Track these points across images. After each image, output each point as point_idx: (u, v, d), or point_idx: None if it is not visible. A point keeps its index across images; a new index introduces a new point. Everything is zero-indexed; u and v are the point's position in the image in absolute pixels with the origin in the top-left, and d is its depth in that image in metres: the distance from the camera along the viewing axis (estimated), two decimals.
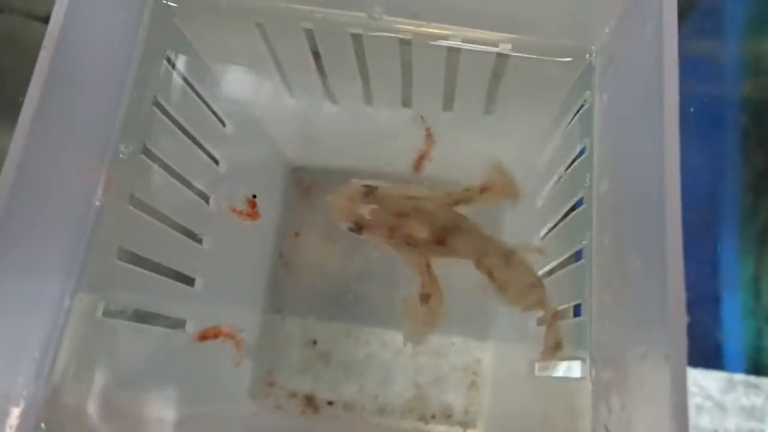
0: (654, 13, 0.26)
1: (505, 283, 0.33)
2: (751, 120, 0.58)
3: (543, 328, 0.39)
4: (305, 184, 0.57)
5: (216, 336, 0.40)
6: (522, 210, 0.48)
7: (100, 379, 0.32)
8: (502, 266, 0.33)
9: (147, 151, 0.34)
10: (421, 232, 0.34)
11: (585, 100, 0.34)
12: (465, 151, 0.49)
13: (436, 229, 0.34)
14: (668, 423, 0.20)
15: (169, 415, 0.38)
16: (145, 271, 0.35)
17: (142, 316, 0.38)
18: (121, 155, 0.32)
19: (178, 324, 0.41)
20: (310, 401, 0.53)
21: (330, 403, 0.53)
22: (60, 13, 0.26)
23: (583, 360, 0.30)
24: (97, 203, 0.30)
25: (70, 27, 0.26)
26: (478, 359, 0.53)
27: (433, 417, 0.52)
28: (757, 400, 0.51)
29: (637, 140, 0.27)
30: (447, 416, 0.52)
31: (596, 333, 0.29)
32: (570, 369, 0.32)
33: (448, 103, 0.44)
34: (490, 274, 0.34)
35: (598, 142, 0.32)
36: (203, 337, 0.39)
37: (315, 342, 0.54)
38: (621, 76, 0.30)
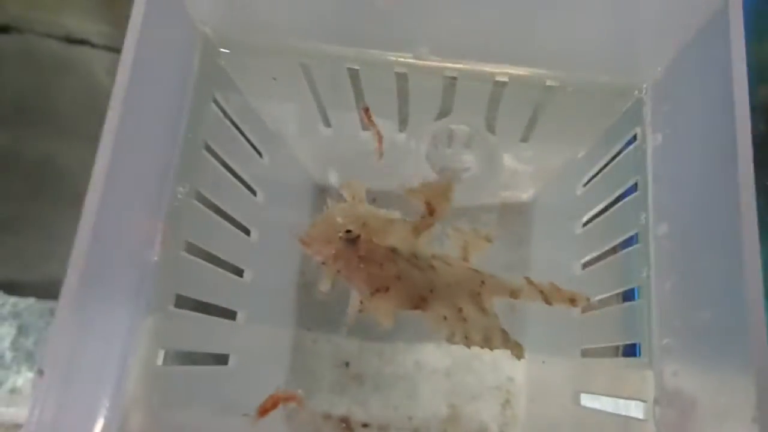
0: (719, 58, 0.26)
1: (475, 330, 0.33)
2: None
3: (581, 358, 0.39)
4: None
5: (275, 405, 0.39)
6: (555, 234, 0.48)
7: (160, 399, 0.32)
8: (477, 317, 0.33)
9: (198, 194, 0.34)
10: (399, 299, 0.33)
11: (635, 136, 0.34)
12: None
13: (414, 298, 0.33)
14: None
15: None
16: (195, 313, 0.35)
17: (190, 356, 0.38)
18: (179, 196, 0.32)
19: (222, 360, 0.41)
20: (345, 423, 0.53)
21: (365, 425, 0.53)
22: (125, 72, 0.25)
23: (645, 402, 0.30)
24: (155, 258, 0.29)
25: (133, 83, 0.26)
26: (510, 377, 0.54)
27: None
28: None
29: (704, 188, 0.27)
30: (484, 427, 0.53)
31: (660, 376, 0.29)
32: (628, 407, 0.32)
33: (490, 129, 0.44)
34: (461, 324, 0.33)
35: (654, 183, 0.32)
36: (264, 411, 0.39)
37: (347, 364, 0.55)
38: (680, 118, 0.30)
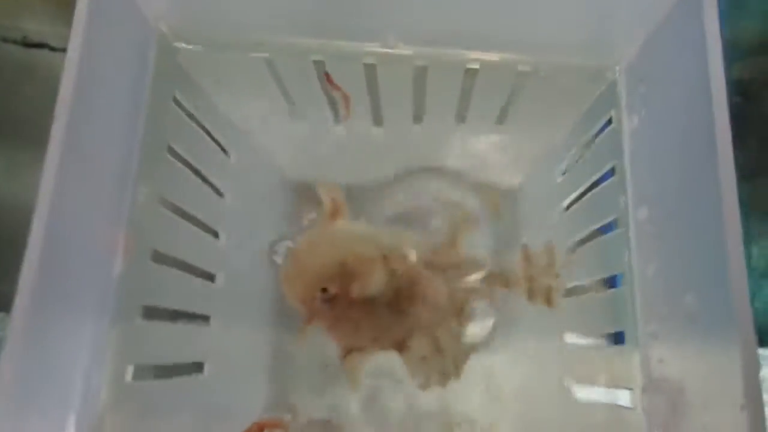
0: (694, 37, 0.25)
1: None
2: (743, 102, 0.58)
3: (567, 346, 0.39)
4: (308, 203, 0.55)
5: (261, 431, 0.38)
6: (539, 219, 0.47)
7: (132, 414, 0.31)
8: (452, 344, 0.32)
9: (162, 199, 0.32)
10: (375, 351, 0.32)
11: (611, 119, 0.34)
12: (474, 162, 0.49)
13: (392, 345, 0.32)
14: None
15: None
16: (167, 323, 0.34)
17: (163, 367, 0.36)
18: (141, 201, 0.30)
19: (197, 369, 0.40)
20: (326, 428, 0.52)
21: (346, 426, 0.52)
22: (72, 73, 0.24)
23: (632, 390, 0.29)
24: (118, 269, 0.28)
25: (80, 84, 0.24)
26: (496, 370, 0.53)
27: (459, 425, 0.52)
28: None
29: (682, 169, 0.26)
30: (471, 421, 0.52)
31: (647, 363, 0.28)
32: (615, 395, 0.32)
33: (460, 117, 0.43)
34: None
35: (631, 166, 0.31)
36: None
37: (327, 366, 0.53)
38: (656, 99, 0.29)
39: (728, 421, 0.21)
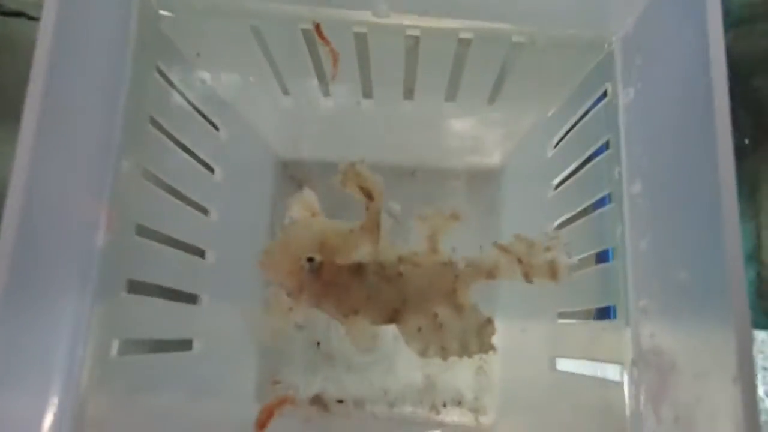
0: (694, 6, 0.24)
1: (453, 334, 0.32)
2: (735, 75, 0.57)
3: (557, 321, 0.38)
4: (297, 179, 0.55)
5: (271, 416, 0.38)
6: (527, 197, 0.47)
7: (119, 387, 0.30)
8: (453, 321, 0.32)
9: (146, 172, 0.31)
10: (372, 318, 0.31)
11: (605, 93, 0.33)
12: (466, 138, 0.48)
13: (387, 313, 0.31)
14: None
15: (179, 422, 0.37)
16: (153, 299, 0.33)
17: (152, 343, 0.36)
18: (123, 173, 0.29)
19: (186, 345, 0.39)
20: (318, 401, 0.52)
21: (340, 401, 0.52)
22: (47, 40, 0.23)
23: (621, 364, 0.29)
24: (100, 242, 0.27)
25: (56, 52, 0.23)
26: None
27: (444, 405, 0.52)
28: None
29: (678, 142, 0.26)
30: (458, 403, 0.52)
31: (637, 338, 0.28)
32: (604, 370, 0.32)
33: (451, 94, 0.42)
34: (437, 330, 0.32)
35: (626, 139, 0.30)
36: (261, 425, 0.38)
37: (318, 343, 0.53)
38: (652, 73, 0.28)
39: (720, 393, 0.21)
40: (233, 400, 0.49)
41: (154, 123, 0.31)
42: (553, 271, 0.31)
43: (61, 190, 0.25)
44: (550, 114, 0.42)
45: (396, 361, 0.53)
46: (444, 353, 0.31)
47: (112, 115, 0.28)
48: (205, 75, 0.38)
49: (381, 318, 0.31)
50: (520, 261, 0.32)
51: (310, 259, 0.30)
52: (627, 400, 0.29)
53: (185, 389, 0.39)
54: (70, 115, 0.25)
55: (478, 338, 0.31)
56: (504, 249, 0.32)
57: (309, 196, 0.35)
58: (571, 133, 0.38)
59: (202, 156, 0.38)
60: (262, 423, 0.39)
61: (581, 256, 0.36)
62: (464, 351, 0.31)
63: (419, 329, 0.31)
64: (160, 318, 0.35)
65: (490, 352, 0.32)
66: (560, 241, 0.32)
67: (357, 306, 0.31)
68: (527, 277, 0.31)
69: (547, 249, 0.31)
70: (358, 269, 0.31)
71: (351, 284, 0.31)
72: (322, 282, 0.30)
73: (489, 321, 0.32)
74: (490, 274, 0.32)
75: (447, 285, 0.32)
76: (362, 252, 0.31)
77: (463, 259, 0.32)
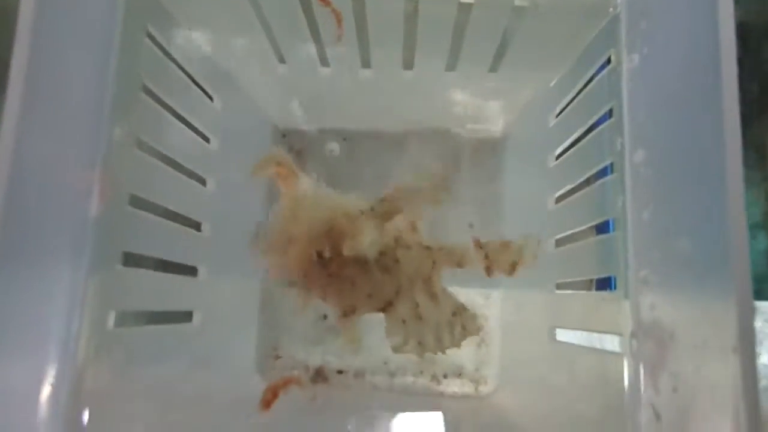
0: None
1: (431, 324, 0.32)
2: (743, 45, 0.56)
3: (556, 292, 0.38)
4: (296, 149, 0.54)
5: (276, 395, 0.38)
6: (528, 167, 0.46)
7: (118, 358, 0.31)
8: (431, 311, 0.32)
9: (140, 141, 0.31)
10: (368, 309, 0.31)
11: (609, 59, 0.32)
12: (467, 108, 0.47)
13: (382, 304, 0.31)
14: (740, 414, 0.20)
15: (181, 395, 0.37)
16: (150, 271, 0.33)
17: (151, 315, 0.36)
18: (115, 143, 0.29)
19: (185, 317, 0.39)
20: (319, 373, 0.52)
21: (340, 372, 0.52)
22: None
23: (620, 335, 0.29)
24: (93, 213, 0.27)
25: (42, 13, 0.23)
26: (485, 316, 0.53)
27: (445, 376, 0.52)
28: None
29: (683, 109, 0.25)
30: (458, 375, 0.52)
31: (637, 309, 0.28)
32: (603, 341, 0.32)
33: (452, 63, 0.41)
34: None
35: (630, 107, 0.30)
36: (267, 403, 0.38)
37: (326, 316, 0.53)
38: (658, 37, 0.27)
39: (720, 364, 0.21)
40: (234, 372, 0.49)
41: (147, 90, 0.31)
42: (512, 268, 0.31)
43: (52, 158, 0.25)
44: (552, 83, 0.41)
45: None
46: (420, 349, 0.31)
47: (102, 81, 0.28)
48: (199, 41, 0.37)
49: (376, 309, 0.31)
50: (487, 257, 0.32)
51: (320, 254, 0.30)
52: (625, 371, 0.29)
53: (186, 361, 0.39)
54: (59, 81, 0.24)
55: (450, 332, 0.31)
56: (479, 245, 0.32)
57: (279, 155, 0.34)
58: (573, 101, 0.37)
59: (197, 125, 0.38)
60: (267, 402, 0.39)
61: (581, 228, 0.36)
62: (438, 346, 0.31)
63: (403, 321, 0.31)
64: (158, 290, 0.34)
65: (480, 333, 0.32)
66: (534, 244, 0.32)
67: (359, 302, 0.31)
68: (488, 272, 0.32)
69: (518, 249, 0.32)
70: (363, 260, 0.30)
71: (356, 278, 0.30)
72: (327, 274, 0.30)
73: (463, 307, 0.31)
74: (459, 263, 0.32)
75: (426, 270, 0.32)
76: (369, 240, 0.30)
77: (437, 244, 0.32)
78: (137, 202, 0.31)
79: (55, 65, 0.24)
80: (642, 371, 0.27)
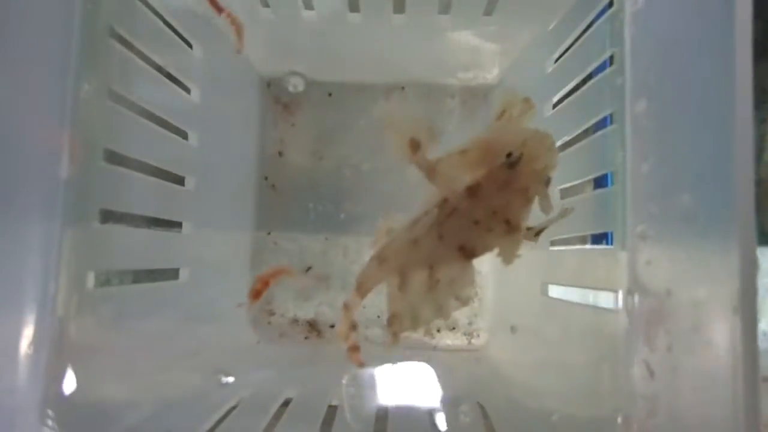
0: None
1: None
2: None
3: (550, 249, 0.38)
4: (283, 100, 0.52)
5: (267, 285, 0.37)
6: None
7: (103, 315, 0.30)
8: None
9: (113, 93, 0.29)
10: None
11: (611, 2, 0.30)
12: (460, 53, 0.45)
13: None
14: (737, 377, 0.19)
15: (172, 350, 0.37)
16: (131, 228, 0.32)
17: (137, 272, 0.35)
18: (84, 95, 0.27)
19: (172, 275, 0.38)
20: (312, 327, 0.52)
21: (332, 326, 0.52)
22: None
23: (615, 291, 0.28)
24: (64, 170, 0.25)
25: None
26: (477, 271, 0.52)
27: (438, 330, 0.52)
28: None
29: (689, 56, 0.23)
30: (452, 328, 0.52)
31: (633, 265, 0.27)
32: (598, 297, 0.31)
33: (445, 5, 0.39)
34: None
35: (632, 54, 0.28)
36: (257, 294, 0.37)
37: (310, 267, 0.53)
38: None
39: (718, 324, 0.20)
40: (227, 325, 0.49)
41: (117, 37, 0.29)
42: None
43: (16, 113, 0.23)
44: (551, 27, 0.39)
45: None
46: (413, 323, 0.31)
47: (66, 27, 0.26)
48: None
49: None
50: None
51: (509, 154, 0.28)
52: (620, 328, 0.28)
53: (176, 316, 0.38)
54: (18, 28, 0.22)
55: (445, 303, 0.30)
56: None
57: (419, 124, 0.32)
58: (572, 47, 0.35)
59: (175, 74, 0.36)
60: (257, 292, 0.39)
61: (578, 182, 0.35)
62: (435, 315, 0.30)
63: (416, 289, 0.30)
64: (140, 248, 0.33)
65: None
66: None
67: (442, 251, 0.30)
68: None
69: None
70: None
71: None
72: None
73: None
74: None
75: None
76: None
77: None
78: (113, 158, 0.29)
79: (15, 10, 0.22)
80: (637, 328, 0.27)
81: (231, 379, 0.39)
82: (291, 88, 0.51)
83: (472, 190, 0.29)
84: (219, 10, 0.31)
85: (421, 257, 0.31)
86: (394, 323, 0.31)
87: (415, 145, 0.29)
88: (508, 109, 0.31)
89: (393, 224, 0.33)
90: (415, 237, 0.31)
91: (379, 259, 0.32)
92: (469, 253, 0.30)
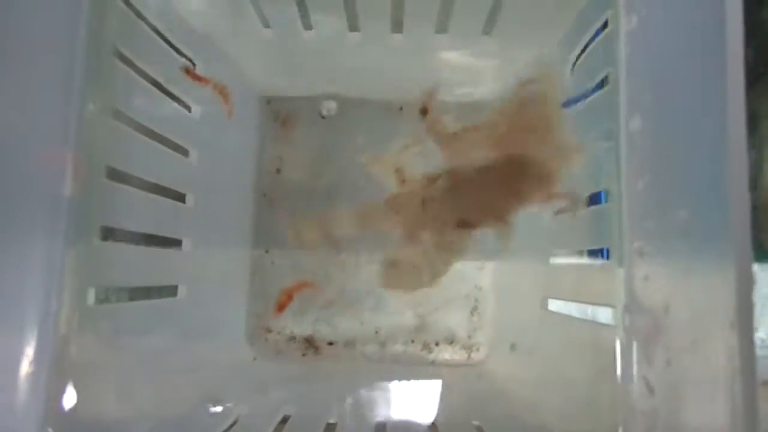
0: None
1: None
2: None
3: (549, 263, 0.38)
4: (282, 117, 0.53)
5: (291, 298, 0.38)
6: None
7: (102, 332, 0.30)
8: None
9: (116, 112, 0.29)
10: None
11: (607, 21, 0.31)
12: (458, 72, 0.46)
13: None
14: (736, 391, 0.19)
15: (170, 367, 0.37)
16: (131, 245, 0.32)
17: (135, 289, 0.35)
18: (89, 111, 0.27)
19: (171, 292, 0.38)
20: (309, 343, 0.52)
21: (330, 343, 0.52)
22: None
23: (613, 307, 0.29)
24: (67, 188, 0.25)
25: None
26: (478, 286, 0.53)
27: (437, 344, 0.52)
28: None
29: (684, 74, 0.24)
30: (450, 342, 0.52)
31: (631, 281, 0.27)
32: (595, 312, 0.31)
33: (442, 25, 0.39)
34: None
35: (627, 72, 0.28)
36: (281, 307, 0.37)
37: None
38: None
39: (716, 339, 0.21)
40: (225, 343, 0.49)
41: (121, 57, 0.29)
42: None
43: (20, 132, 0.23)
44: (548, 49, 0.39)
45: (384, 297, 0.52)
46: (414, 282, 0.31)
47: (71, 48, 0.26)
48: (179, 4, 0.35)
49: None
50: None
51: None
52: (618, 343, 0.28)
53: (174, 333, 0.38)
54: (24, 48, 0.23)
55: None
56: None
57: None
58: (574, 67, 0.36)
59: (176, 93, 0.36)
60: (282, 305, 0.39)
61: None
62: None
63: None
64: (140, 265, 0.33)
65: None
66: None
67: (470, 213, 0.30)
68: None
69: None
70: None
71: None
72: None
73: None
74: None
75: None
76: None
77: None
78: (115, 175, 0.29)
79: (20, 31, 0.23)
80: (635, 344, 0.27)
81: (219, 409, 0.38)
82: (324, 112, 0.51)
83: (483, 169, 0.30)
84: (203, 81, 0.32)
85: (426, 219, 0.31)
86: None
87: (424, 110, 0.30)
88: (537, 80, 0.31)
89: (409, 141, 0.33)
90: (423, 198, 0.31)
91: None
92: (467, 226, 0.31)
